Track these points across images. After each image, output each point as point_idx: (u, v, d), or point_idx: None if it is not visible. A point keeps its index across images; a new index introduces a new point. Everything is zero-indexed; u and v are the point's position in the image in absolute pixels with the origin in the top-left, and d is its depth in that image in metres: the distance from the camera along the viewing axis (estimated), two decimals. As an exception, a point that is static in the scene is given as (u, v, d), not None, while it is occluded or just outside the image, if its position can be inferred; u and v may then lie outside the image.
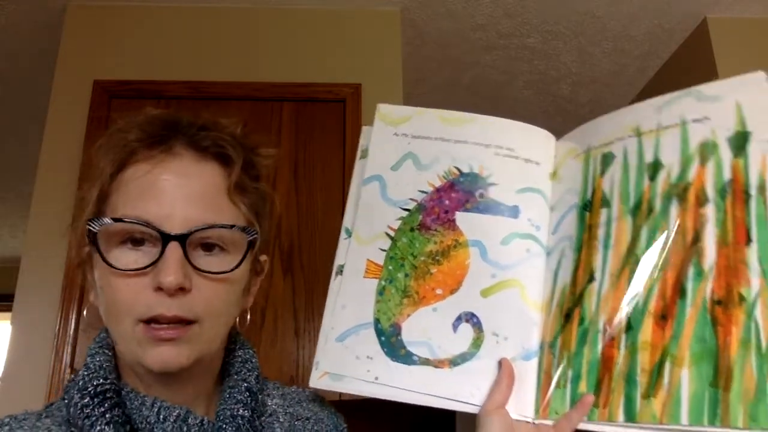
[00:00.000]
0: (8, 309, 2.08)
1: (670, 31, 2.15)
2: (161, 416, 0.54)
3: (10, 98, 2.39)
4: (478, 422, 0.61)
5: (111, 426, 0.52)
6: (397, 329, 0.66)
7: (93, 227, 0.53)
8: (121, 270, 0.52)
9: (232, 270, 0.56)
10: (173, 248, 0.52)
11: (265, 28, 2.00)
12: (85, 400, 0.53)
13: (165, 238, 0.52)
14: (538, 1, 2.01)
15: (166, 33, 1.97)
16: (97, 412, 0.52)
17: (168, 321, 0.52)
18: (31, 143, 2.10)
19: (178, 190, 0.54)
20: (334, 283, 0.70)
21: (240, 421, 0.57)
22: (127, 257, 0.53)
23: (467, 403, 0.62)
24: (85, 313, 0.60)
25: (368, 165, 0.72)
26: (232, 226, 0.56)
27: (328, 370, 0.66)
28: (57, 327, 1.65)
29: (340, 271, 0.70)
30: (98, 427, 0.51)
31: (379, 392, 0.64)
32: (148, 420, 0.54)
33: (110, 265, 0.53)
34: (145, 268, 0.52)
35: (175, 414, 0.54)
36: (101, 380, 0.54)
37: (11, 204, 3.39)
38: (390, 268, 0.68)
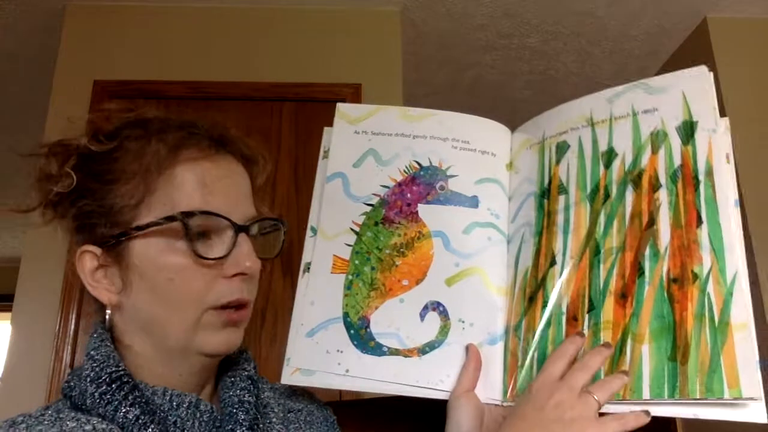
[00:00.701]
0: (8, 309, 2.08)
1: (670, 31, 2.15)
2: (174, 403, 0.55)
3: (10, 98, 2.40)
4: (448, 407, 0.62)
5: (136, 407, 0.52)
6: (365, 322, 0.67)
7: (185, 220, 0.54)
8: (211, 259, 0.55)
9: (277, 256, 0.63)
10: (245, 238, 0.57)
11: (265, 28, 2.00)
12: (103, 388, 0.53)
13: (238, 229, 0.57)
14: (538, 1, 2.01)
15: (166, 33, 1.97)
16: (118, 396, 0.52)
17: (240, 304, 0.57)
18: (31, 143, 2.09)
19: (234, 186, 0.59)
20: (302, 280, 0.71)
21: (248, 406, 0.59)
22: (201, 248, 0.55)
23: (437, 389, 0.64)
24: (107, 314, 0.59)
25: (330, 163, 0.74)
26: (279, 220, 0.63)
27: (299, 365, 0.67)
28: (57, 327, 1.65)
29: (308, 269, 0.71)
30: (123, 410, 0.52)
31: (351, 385, 0.65)
32: (161, 408, 0.55)
33: (201, 256, 0.55)
34: (224, 256, 0.56)
35: (187, 401, 0.56)
36: (114, 368, 0.54)
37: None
38: (356, 262, 0.69)
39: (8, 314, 1.96)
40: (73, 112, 2.02)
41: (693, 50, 2.15)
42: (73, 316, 1.66)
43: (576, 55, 2.28)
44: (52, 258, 1.68)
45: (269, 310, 1.70)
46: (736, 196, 0.58)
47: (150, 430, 0.51)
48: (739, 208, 0.58)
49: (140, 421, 0.51)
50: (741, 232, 0.57)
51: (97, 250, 0.57)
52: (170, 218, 0.55)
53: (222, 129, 0.61)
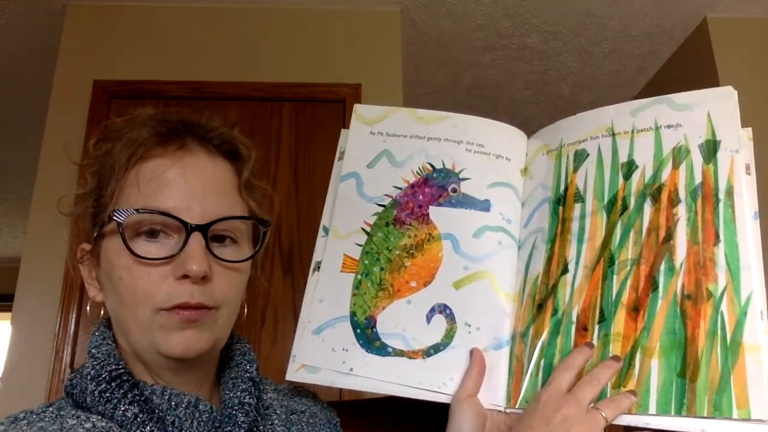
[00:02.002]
0: (8, 309, 2.08)
1: (670, 31, 2.15)
2: (173, 403, 0.55)
3: (10, 98, 2.40)
4: (450, 411, 0.62)
5: (135, 405, 0.52)
6: (372, 322, 0.67)
7: (119, 217, 0.54)
8: (148, 259, 0.54)
9: (248, 258, 0.60)
10: (196, 238, 0.54)
11: (265, 28, 2.00)
12: (102, 386, 0.53)
13: (188, 229, 0.54)
14: (538, 1, 2.01)
15: (166, 33, 1.97)
16: (117, 395, 0.53)
17: (191, 308, 0.54)
18: (31, 143, 2.10)
19: (195, 184, 0.57)
20: (312, 278, 0.71)
21: (248, 408, 0.59)
22: (146, 248, 0.55)
23: (440, 392, 0.64)
24: (88, 308, 0.62)
25: (345, 163, 0.75)
26: (249, 218, 0.61)
27: (304, 362, 0.67)
28: (57, 327, 1.65)
29: (318, 267, 0.71)
30: (122, 408, 0.52)
31: (355, 384, 0.65)
32: (160, 408, 0.55)
33: (136, 255, 0.54)
34: (170, 257, 0.54)
35: (186, 401, 0.56)
36: (114, 366, 0.55)
37: (11, 204, 3.39)
38: (366, 262, 0.70)
39: (8, 314, 1.96)
40: (73, 112, 2.03)
41: (693, 50, 2.15)
42: (73, 316, 1.66)
43: (576, 55, 2.28)
44: (52, 258, 1.68)
45: (269, 310, 1.69)
46: (756, 208, 0.58)
47: (148, 428, 0.52)
48: (758, 221, 0.58)
49: (138, 419, 0.52)
50: (759, 249, 0.56)
51: (88, 246, 0.60)
52: (110, 218, 0.55)
53: (192, 123, 0.60)
